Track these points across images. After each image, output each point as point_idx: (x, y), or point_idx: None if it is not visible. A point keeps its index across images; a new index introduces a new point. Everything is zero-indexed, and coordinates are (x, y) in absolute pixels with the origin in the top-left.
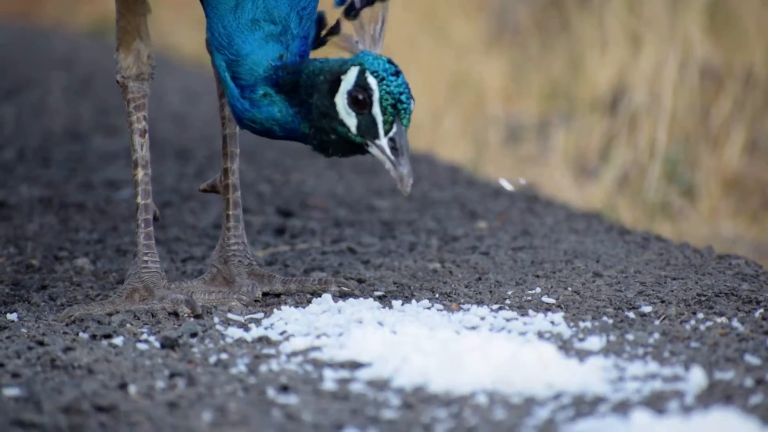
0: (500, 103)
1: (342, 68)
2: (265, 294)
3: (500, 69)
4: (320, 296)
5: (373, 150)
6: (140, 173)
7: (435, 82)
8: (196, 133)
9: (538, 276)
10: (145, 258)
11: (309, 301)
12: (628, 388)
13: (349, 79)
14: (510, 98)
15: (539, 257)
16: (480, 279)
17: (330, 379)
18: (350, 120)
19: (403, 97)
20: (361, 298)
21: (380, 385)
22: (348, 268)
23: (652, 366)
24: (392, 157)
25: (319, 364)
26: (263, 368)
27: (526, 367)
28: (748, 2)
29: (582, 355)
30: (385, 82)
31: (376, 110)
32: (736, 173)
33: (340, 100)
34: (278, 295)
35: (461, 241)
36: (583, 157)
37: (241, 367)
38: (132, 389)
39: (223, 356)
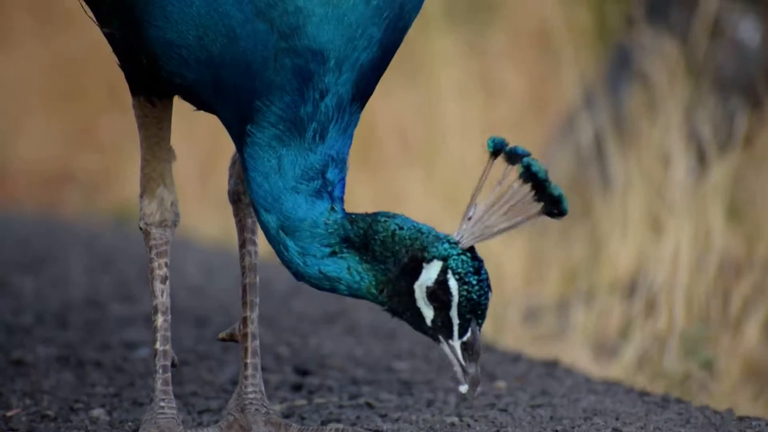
0: (520, 284)
1: (425, 255)
2: None
3: (519, 253)
4: None
5: (443, 346)
6: (160, 319)
7: None
8: (214, 302)
9: (556, 431)
10: (162, 404)
11: None
12: None
13: (430, 273)
14: (529, 281)
15: (558, 414)
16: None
17: None
18: (427, 311)
19: (482, 300)
20: None
21: None
22: (365, 421)
23: None
24: (462, 361)
25: None
26: None
27: None
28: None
29: None
30: (466, 287)
31: (453, 314)
32: (755, 359)
33: (419, 290)
34: None
35: (479, 398)
36: (602, 335)
37: None
38: None
39: None
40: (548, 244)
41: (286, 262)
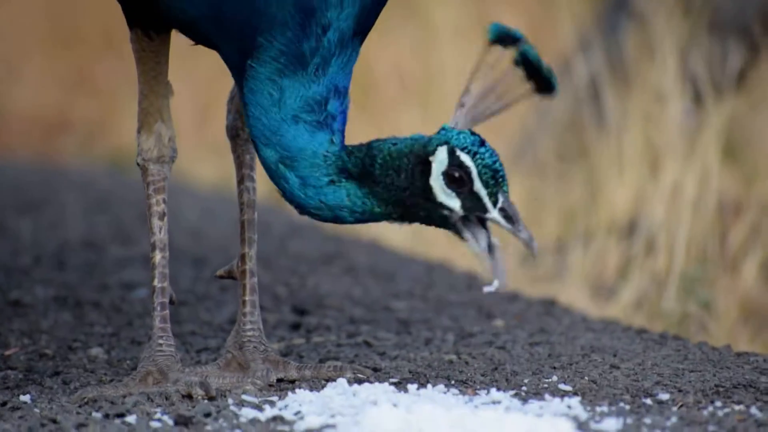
0: None
1: (427, 149)
2: (279, 380)
3: (517, 196)
4: (335, 381)
5: (471, 242)
6: (158, 256)
7: None
8: (212, 243)
9: (554, 367)
10: (160, 342)
11: (324, 386)
12: None
13: (440, 160)
14: (527, 223)
15: (556, 351)
16: (496, 369)
17: None
18: (453, 201)
19: (497, 165)
20: (377, 383)
21: None
22: (363, 359)
23: None
24: (509, 226)
25: None
26: None
27: None
28: (765, 140)
29: None
30: (478, 155)
31: (478, 185)
32: (752, 299)
33: (437, 182)
34: (293, 381)
35: (477, 336)
36: (600, 277)
37: None
38: None
39: None
40: (545, 186)
41: (287, 195)
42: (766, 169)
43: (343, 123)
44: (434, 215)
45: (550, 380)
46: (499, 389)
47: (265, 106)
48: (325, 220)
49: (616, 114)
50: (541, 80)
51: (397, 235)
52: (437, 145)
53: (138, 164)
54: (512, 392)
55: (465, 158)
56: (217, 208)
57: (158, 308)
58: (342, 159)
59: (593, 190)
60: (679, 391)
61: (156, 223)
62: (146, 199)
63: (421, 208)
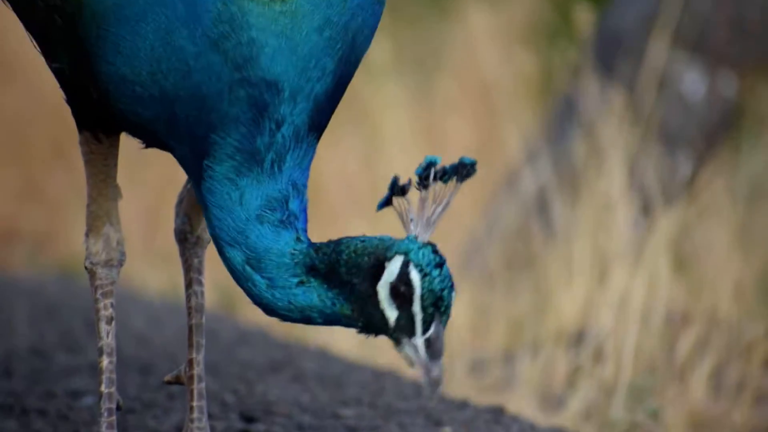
0: (466, 337)
1: (387, 254)
2: None
3: (465, 306)
4: None
5: (405, 347)
6: (105, 361)
7: None
8: (159, 350)
9: None
10: None
11: None
12: None
13: (392, 270)
14: (476, 333)
15: None
16: None
17: None
18: (391, 312)
19: (444, 294)
20: None
21: None
22: None
23: None
24: (425, 359)
25: None
26: None
27: None
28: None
29: None
30: (428, 278)
31: (416, 308)
32: (701, 410)
33: (383, 290)
34: None
35: None
36: (549, 385)
37: None
38: None
39: None
40: (494, 296)
41: (255, 298)
42: (713, 280)
43: (305, 221)
44: (377, 322)
45: None
46: None
47: (227, 206)
48: (295, 321)
49: (564, 222)
50: (459, 170)
51: (345, 343)
52: (396, 253)
53: (86, 268)
54: None
55: (414, 277)
56: (164, 315)
57: (105, 414)
58: (309, 256)
59: (541, 300)
60: None
61: (104, 327)
62: (94, 304)
63: (367, 312)
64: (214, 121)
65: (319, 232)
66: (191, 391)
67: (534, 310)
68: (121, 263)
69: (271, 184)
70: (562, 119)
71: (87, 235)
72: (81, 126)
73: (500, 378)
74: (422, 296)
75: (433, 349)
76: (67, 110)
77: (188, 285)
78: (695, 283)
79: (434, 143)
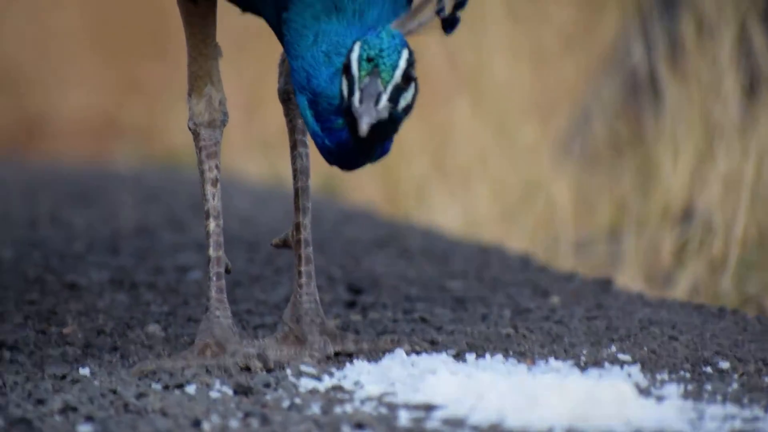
0: (570, 217)
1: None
2: (336, 353)
3: (569, 188)
4: (393, 353)
5: (354, 109)
6: (212, 224)
7: (506, 187)
8: (264, 229)
9: (612, 339)
10: (217, 313)
11: (382, 357)
12: (708, 427)
13: (350, 55)
14: (579, 214)
15: (613, 325)
16: (554, 341)
17: (405, 419)
18: (343, 86)
19: (384, 53)
20: (434, 354)
21: (456, 423)
22: (420, 334)
23: (732, 408)
24: (357, 105)
25: (393, 407)
26: (337, 410)
27: (603, 404)
28: None
29: (660, 397)
30: (366, 43)
31: (354, 69)
32: None
33: (344, 75)
34: (350, 354)
35: (534, 312)
36: (655, 264)
37: (315, 409)
38: (206, 427)
39: (297, 401)
40: (597, 177)
41: (314, 139)
42: None
43: None
44: (344, 104)
45: (608, 351)
46: (557, 359)
47: (301, 53)
48: (340, 164)
49: (671, 99)
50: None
51: (450, 222)
52: (357, 41)
53: (189, 128)
54: (571, 362)
55: (355, 46)
56: (267, 198)
57: (214, 278)
58: None
59: (646, 178)
60: (739, 360)
61: (209, 189)
62: (198, 165)
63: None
64: None
65: (422, 118)
66: (298, 256)
67: (638, 189)
68: (224, 123)
69: (348, 32)
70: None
71: (189, 95)
72: None
73: (606, 256)
74: (359, 56)
75: (365, 93)
76: (164, 5)
77: (293, 147)
78: None
79: (533, 20)
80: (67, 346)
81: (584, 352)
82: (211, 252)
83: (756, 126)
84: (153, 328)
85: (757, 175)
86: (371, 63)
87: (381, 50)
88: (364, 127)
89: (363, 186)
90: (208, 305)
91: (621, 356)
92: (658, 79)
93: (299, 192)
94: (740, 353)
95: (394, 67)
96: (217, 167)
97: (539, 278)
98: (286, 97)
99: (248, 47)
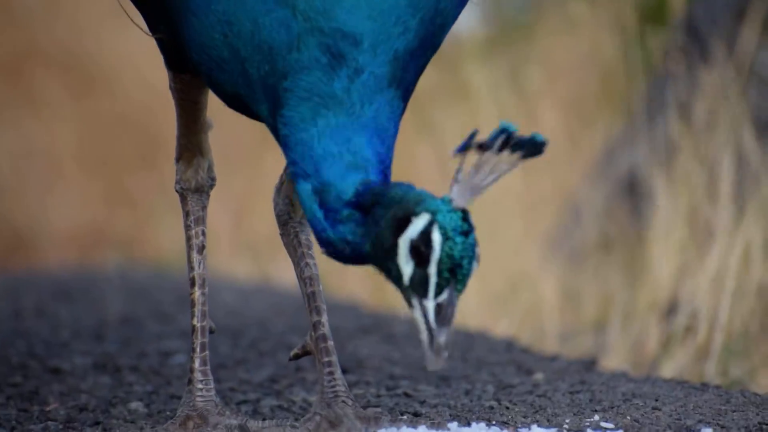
0: (556, 308)
1: (415, 209)
2: None
3: (556, 279)
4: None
5: (415, 310)
6: (197, 292)
7: (493, 281)
8: (250, 320)
9: (596, 410)
10: (200, 386)
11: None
12: None
13: (416, 226)
14: (564, 311)
15: (597, 397)
16: (537, 412)
17: None
18: (407, 268)
19: (464, 262)
20: (417, 426)
21: None
22: (404, 407)
23: None
24: (433, 323)
25: None
26: None
27: None
28: None
29: None
30: (449, 242)
31: (432, 270)
32: None
33: (403, 245)
34: None
35: (517, 387)
36: (641, 354)
37: None
38: None
39: None
40: (584, 278)
41: (314, 229)
42: None
43: (381, 173)
44: (393, 273)
45: (591, 420)
46: (540, 426)
47: (306, 141)
48: (334, 255)
49: (661, 202)
50: (528, 145)
51: None
52: (424, 210)
53: (177, 191)
54: (554, 430)
55: (435, 238)
56: (253, 293)
57: (198, 349)
58: (364, 195)
59: (633, 275)
60: (723, 427)
61: (195, 256)
62: (185, 231)
63: (386, 261)
64: (283, 69)
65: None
66: (321, 350)
67: (625, 286)
68: (211, 187)
69: (350, 126)
70: (654, 100)
71: (177, 161)
72: (171, 68)
73: (591, 346)
74: (440, 259)
75: (443, 315)
76: (151, 118)
77: (300, 258)
78: None
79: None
80: (49, 421)
81: (567, 421)
82: (196, 321)
83: (743, 221)
84: (135, 405)
85: (743, 267)
86: (451, 274)
87: (462, 257)
88: (440, 362)
89: (347, 279)
90: (191, 377)
91: (604, 424)
92: (648, 180)
93: (312, 296)
94: (723, 421)
95: (469, 275)
96: (203, 233)
97: (523, 359)
98: (285, 219)
99: (237, 157)
